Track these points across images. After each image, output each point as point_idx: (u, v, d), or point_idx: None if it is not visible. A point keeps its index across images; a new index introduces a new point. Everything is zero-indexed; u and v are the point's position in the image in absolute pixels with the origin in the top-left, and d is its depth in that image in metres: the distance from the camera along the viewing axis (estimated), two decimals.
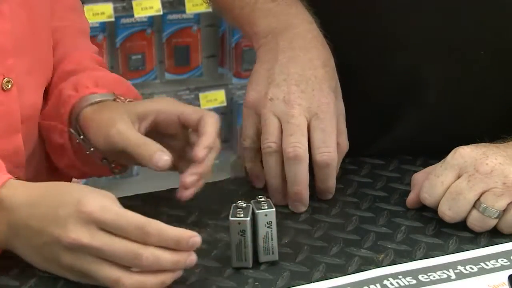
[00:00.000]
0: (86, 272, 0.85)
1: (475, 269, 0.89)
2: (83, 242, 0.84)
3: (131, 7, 2.67)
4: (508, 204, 0.94)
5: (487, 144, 0.98)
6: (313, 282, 0.87)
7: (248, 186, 1.07)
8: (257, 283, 0.87)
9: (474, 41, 1.07)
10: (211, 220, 0.99)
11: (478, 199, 0.94)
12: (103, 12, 2.61)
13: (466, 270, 0.89)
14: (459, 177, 0.95)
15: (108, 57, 2.68)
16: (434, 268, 0.89)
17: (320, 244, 0.94)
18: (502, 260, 0.90)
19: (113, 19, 2.65)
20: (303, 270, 0.89)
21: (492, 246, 0.93)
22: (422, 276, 0.87)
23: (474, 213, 0.94)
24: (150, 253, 0.84)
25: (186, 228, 0.96)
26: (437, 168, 0.97)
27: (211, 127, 0.96)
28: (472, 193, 0.94)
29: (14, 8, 1.01)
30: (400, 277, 0.87)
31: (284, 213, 1.00)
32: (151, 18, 2.71)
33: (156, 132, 1.00)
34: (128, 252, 0.84)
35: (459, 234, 0.96)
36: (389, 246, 0.94)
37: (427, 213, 1.00)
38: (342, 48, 1.08)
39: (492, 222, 0.94)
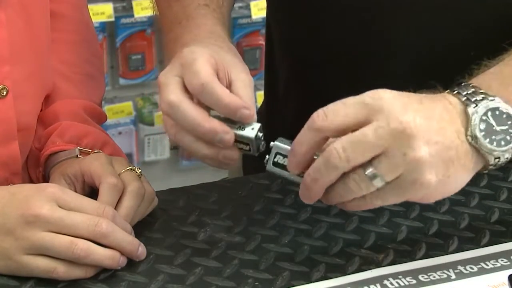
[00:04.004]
0: (41, 244, 0.86)
1: (475, 269, 0.89)
2: (43, 213, 0.86)
3: (131, 7, 2.67)
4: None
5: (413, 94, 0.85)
6: (313, 282, 0.87)
7: (248, 186, 1.07)
8: (257, 283, 0.87)
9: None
10: (211, 220, 0.99)
11: (370, 161, 0.81)
12: (103, 12, 2.61)
13: (466, 270, 0.89)
14: (366, 119, 0.82)
15: (108, 57, 2.68)
16: (434, 268, 0.89)
17: (320, 244, 0.94)
18: (502, 260, 0.90)
19: (113, 19, 2.65)
20: (303, 270, 0.89)
21: (492, 246, 0.93)
22: (422, 276, 0.88)
23: (360, 171, 0.81)
24: (109, 222, 0.88)
25: (186, 228, 0.97)
26: (349, 98, 0.84)
27: (105, 198, 0.94)
28: (375, 147, 0.80)
29: (11, 16, 1.00)
30: (400, 277, 0.87)
31: (284, 213, 1.00)
32: (151, 18, 2.71)
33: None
34: (89, 219, 0.87)
35: (459, 234, 0.96)
36: (389, 246, 0.94)
37: (427, 213, 1.00)
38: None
39: (372, 189, 0.82)
